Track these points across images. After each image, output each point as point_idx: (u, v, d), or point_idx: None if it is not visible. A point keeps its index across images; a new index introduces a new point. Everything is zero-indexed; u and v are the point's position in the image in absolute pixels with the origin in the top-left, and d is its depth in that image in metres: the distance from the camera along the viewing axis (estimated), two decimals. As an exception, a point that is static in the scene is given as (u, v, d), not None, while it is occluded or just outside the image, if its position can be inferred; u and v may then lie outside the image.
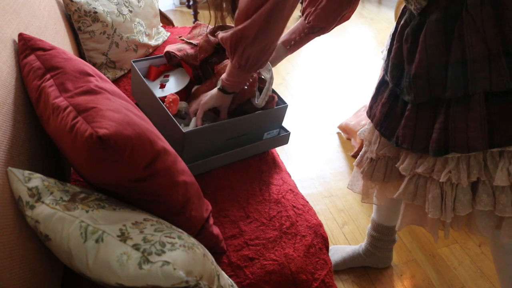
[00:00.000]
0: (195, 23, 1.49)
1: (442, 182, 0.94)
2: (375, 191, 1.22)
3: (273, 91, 1.26)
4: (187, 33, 1.45)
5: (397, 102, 0.97)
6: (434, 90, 0.86)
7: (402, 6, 0.95)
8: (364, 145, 1.19)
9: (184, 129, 1.04)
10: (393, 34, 0.97)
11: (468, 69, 0.81)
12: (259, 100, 1.17)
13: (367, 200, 1.24)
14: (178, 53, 1.30)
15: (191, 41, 1.36)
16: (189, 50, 1.32)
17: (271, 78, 1.16)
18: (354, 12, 1.17)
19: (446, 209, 0.95)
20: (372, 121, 1.08)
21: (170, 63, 1.36)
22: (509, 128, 0.82)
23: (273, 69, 1.20)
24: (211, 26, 1.30)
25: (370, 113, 1.09)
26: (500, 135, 0.82)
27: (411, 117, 0.92)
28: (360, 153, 1.21)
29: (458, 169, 0.90)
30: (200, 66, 1.31)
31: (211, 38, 1.28)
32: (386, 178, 1.12)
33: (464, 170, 0.90)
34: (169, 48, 1.33)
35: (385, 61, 1.03)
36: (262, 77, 1.21)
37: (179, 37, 1.42)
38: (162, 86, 1.30)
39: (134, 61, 1.29)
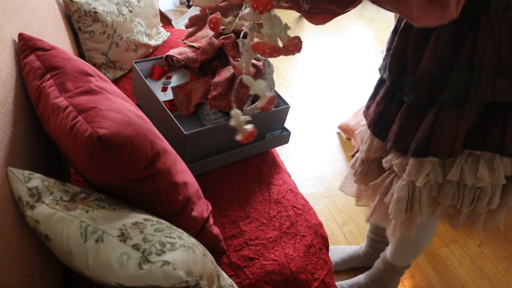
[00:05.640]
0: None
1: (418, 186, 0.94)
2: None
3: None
4: (190, 33, 1.45)
5: (393, 101, 0.94)
6: (434, 92, 0.84)
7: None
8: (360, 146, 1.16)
9: (186, 131, 1.04)
10: (394, 31, 0.94)
11: (473, 76, 0.78)
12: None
13: (361, 203, 1.21)
14: (178, 57, 1.30)
15: (193, 44, 1.35)
16: (190, 53, 1.31)
17: (272, 71, 1.17)
18: (354, 12, 1.16)
19: (421, 209, 0.96)
20: (366, 120, 1.05)
21: (170, 69, 1.36)
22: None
23: (274, 68, 1.20)
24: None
25: (367, 112, 1.06)
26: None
27: (403, 116, 0.90)
28: (356, 154, 1.17)
29: (435, 170, 0.90)
30: (199, 68, 1.30)
31: (215, 41, 1.27)
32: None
33: (439, 171, 0.90)
34: (170, 52, 1.33)
35: (384, 59, 0.99)
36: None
37: (182, 40, 1.42)
38: (164, 89, 1.30)
39: (135, 62, 1.29)
